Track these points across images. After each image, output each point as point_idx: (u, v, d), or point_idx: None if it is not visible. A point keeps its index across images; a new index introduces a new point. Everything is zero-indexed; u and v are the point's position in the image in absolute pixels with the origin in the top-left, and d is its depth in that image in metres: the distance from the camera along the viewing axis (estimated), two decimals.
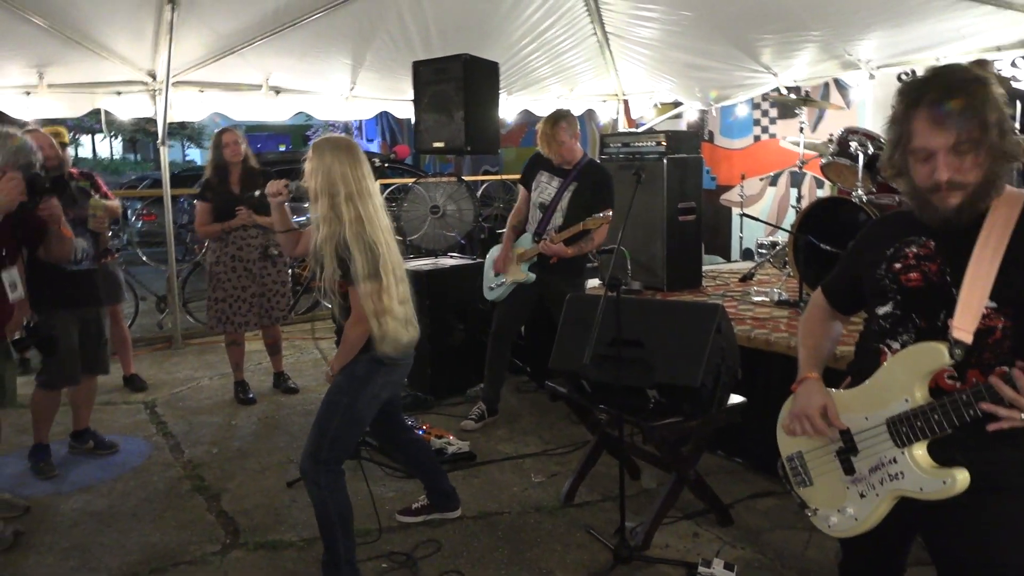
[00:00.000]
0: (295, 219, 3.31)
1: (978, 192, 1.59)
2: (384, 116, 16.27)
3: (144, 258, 7.69)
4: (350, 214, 2.69)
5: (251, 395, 5.14)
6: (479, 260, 5.40)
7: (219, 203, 4.86)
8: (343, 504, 2.82)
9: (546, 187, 4.44)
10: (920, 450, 1.63)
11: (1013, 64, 5.85)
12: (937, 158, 1.57)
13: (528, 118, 8.80)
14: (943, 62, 6.16)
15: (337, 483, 2.82)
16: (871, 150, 4.96)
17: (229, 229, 4.87)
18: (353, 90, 7.25)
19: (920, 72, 5.78)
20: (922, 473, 1.62)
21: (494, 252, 4.69)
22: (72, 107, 6.16)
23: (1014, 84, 5.32)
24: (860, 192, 4.75)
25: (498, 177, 10.43)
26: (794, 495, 1.95)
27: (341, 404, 2.81)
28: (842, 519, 1.80)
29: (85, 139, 29.33)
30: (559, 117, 4.35)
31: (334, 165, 2.73)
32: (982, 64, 4.97)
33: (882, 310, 1.76)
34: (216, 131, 5.05)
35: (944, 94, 1.55)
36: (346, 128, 15.85)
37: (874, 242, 1.82)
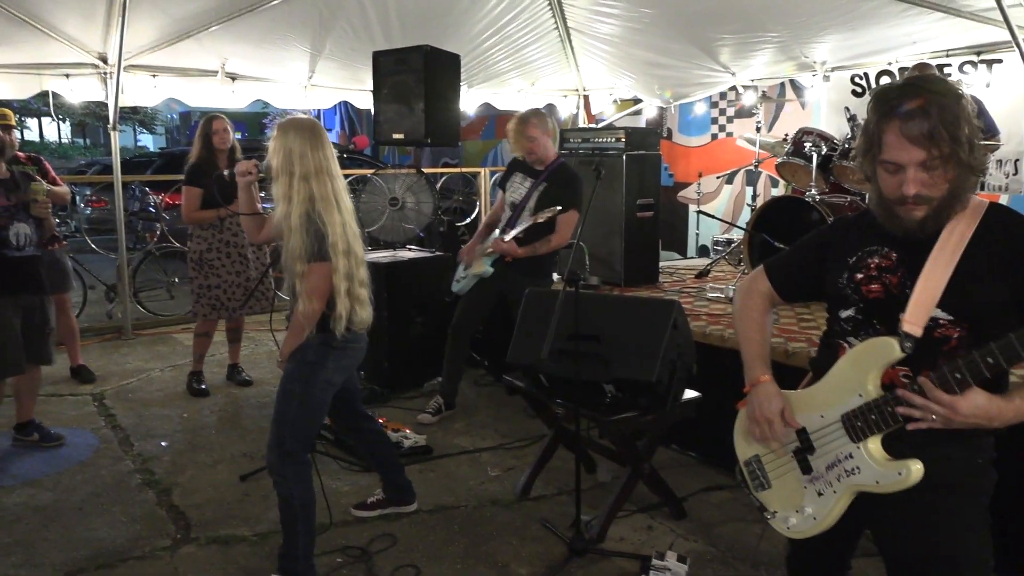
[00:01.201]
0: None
1: (943, 205, 1.61)
2: (343, 106, 16.12)
3: (93, 246, 7.50)
4: (302, 194, 2.70)
5: (204, 387, 5.06)
6: (438, 253, 5.38)
7: (207, 190, 4.74)
8: (307, 496, 2.80)
9: (519, 187, 4.45)
10: (874, 444, 1.67)
11: (961, 69, 6.01)
12: (907, 172, 1.58)
13: (488, 111, 8.79)
14: (895, 66, 6.32)
15: (302, 474, 2.80)
16: (825, 150, 5.06)
17: (225, 215, 4.79)
18: (312, 79, 7.16)
19: (872, 75, 5.84)
20: (877, 466, 1.66)
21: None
22: (18, 89, 5.98)
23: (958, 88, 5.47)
24: (814, 192, 4.85)
25: (458, 170, 10.40)
26: (753, 499, 1.97)
27: (295, 392, 2.79)
28: (801, 519, 1.82)
29: (32, 122, 28.42)
30: (530, 114, 4.36)
31: (294, 145, 2.73)
32: (924, 67, 5.10)
33: (844, 314, 1.80)
34: (204, 118, 4.94)
35: (917, 109, 1.55)
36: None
37: (837, 246, 1.84)
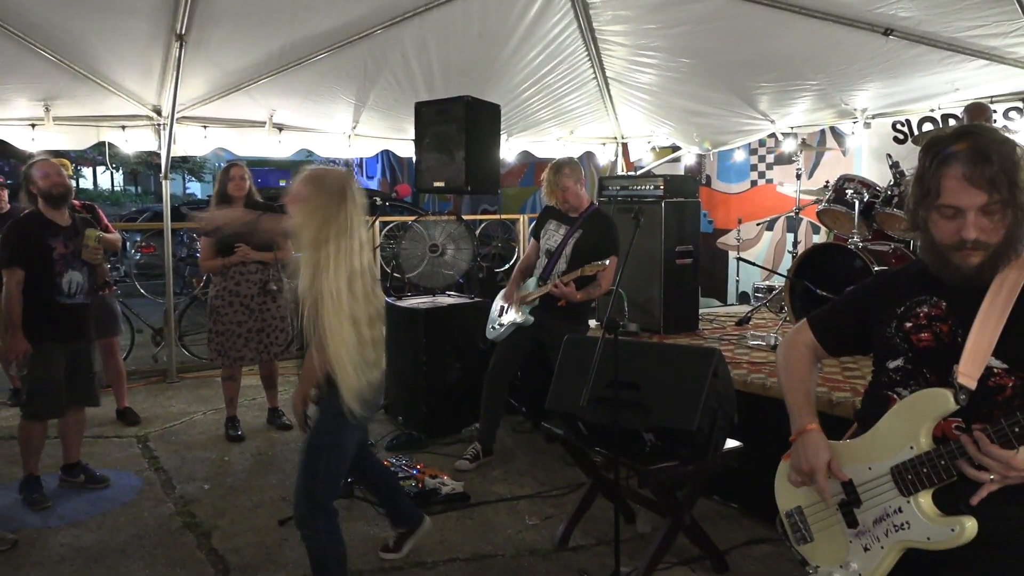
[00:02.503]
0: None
1: (999, 252, 1.60)
2: (385, 154, 16.47)
3: (142, 290, 7.70)
4: (346, 265, 2.59)
5: (239, 432, 5.09)
6: (477, 299, 5.42)
7: (220, 238, 4.88)
8: (339, 547, 2.77)
9: (553, 234, 4.51)
10: (926, 498, 1.62)
11: (1006, 115, 5.94)
12: (967, 216, 1.58)
13: (528, 158, 8.89)
14: (938, 112, 6.27)
15: (333, 526, 2.76)
16: (867, 197, 5.02)
17: (229, 265, 4.91)
18: (356, 128, 7.33)
19: (915, 121, 5.75)
20: (929, 522, 1.61)
21: (501, 295, 4.71)
22: (77, 140, 6.24)
23: (1007, 135, 5.39)
24: (856, 239, 4.79)
25: (496, 216, 10.50)
26: (794, 552, 1.92)
27: (326, 444, 2.72)
28: (845, 574, 1.77)
29: (87, 170, 29.55)
30: (562, 164, 4.45)
31: (353, 212, 2.62)
32: (980, 108, 5.03)
33: (892, 364, 1.77)
34: (224, 164, 5.11)
35: (978, 153, 1.57)
36: (347, 165, 15.97)
37: (883, 297, 1.82)
